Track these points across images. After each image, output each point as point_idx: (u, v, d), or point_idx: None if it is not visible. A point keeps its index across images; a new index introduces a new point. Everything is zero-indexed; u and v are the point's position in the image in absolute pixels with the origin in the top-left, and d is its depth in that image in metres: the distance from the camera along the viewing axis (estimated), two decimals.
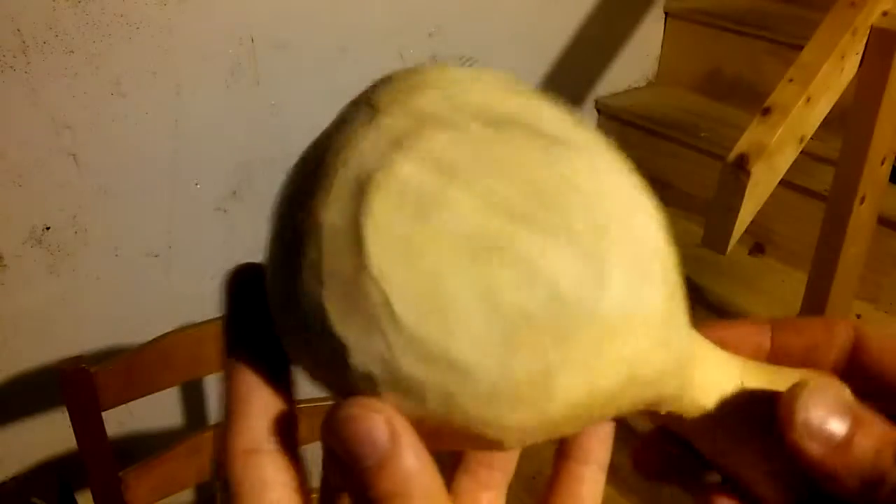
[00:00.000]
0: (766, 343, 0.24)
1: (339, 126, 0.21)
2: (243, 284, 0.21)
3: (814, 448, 0.20)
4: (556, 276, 0.18)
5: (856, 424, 0.20)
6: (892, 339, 0.23)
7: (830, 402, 0.20)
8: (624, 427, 0.26)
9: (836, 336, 0.23)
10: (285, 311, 0.20)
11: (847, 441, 0.20)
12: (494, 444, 0.19)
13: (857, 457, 0.19)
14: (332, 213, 0.18)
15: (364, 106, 0.21)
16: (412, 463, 0.18)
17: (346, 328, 0.18)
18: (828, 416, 0.20)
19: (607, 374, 0.19)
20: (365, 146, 0.19)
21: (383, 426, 0.18)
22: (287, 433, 0.20)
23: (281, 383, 0.21)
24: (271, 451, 0.20)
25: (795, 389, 0.20)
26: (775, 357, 0.24)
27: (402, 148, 0.19)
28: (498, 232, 0.18)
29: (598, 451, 0.26)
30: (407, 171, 0.18)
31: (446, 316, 0.18)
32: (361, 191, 0.18)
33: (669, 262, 0.20)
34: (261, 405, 0.20)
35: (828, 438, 0.20)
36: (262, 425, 0.20)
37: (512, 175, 0.18)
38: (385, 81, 0.22)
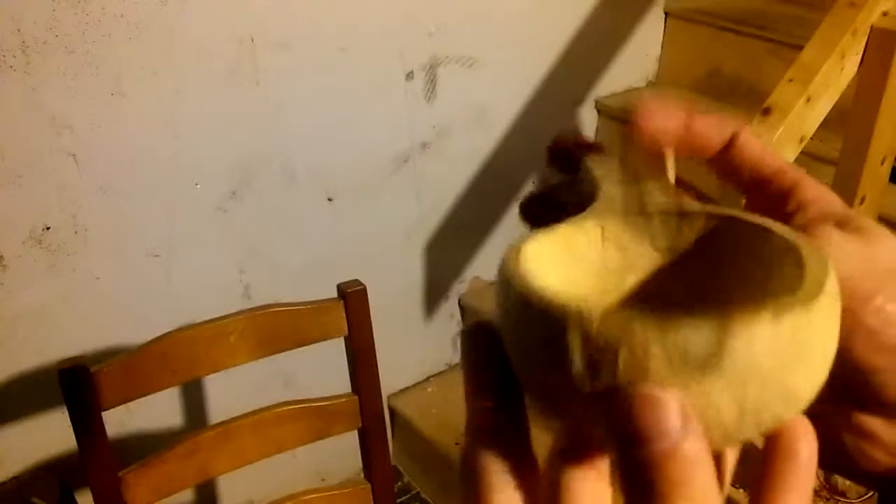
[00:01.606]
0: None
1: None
2: (482, 341, 0.25)
3: None
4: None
5: None
6: (755, 141, 0.29)
7: None
8: None
9: (724, 131, 0.30)
10: (553, 371, 0.21)
11: None
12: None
13: None
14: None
15: None
16: (698, 452, 0.19)
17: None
18: None
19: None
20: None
21: (678, 412, 0.19)
22: (524, 446, 0.23)
23: (519, 415, 0.24)
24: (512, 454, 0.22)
25: None
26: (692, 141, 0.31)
27: None
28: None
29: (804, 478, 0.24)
30: None
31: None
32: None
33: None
34: (510, 423, 0.23)
35: None
36: (508, 434, 0.23)
37: None
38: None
